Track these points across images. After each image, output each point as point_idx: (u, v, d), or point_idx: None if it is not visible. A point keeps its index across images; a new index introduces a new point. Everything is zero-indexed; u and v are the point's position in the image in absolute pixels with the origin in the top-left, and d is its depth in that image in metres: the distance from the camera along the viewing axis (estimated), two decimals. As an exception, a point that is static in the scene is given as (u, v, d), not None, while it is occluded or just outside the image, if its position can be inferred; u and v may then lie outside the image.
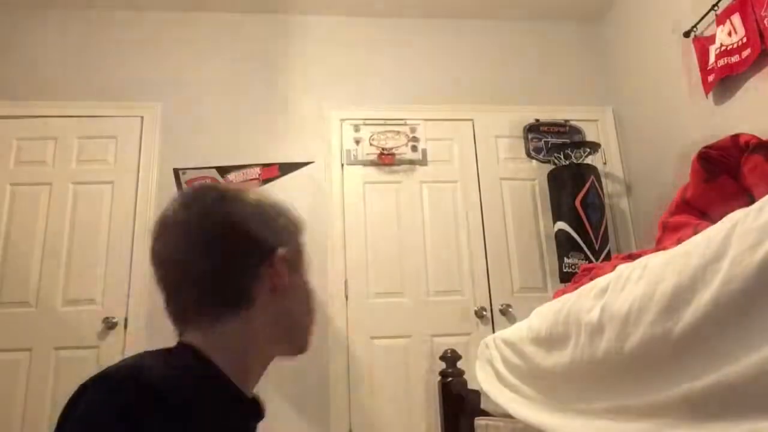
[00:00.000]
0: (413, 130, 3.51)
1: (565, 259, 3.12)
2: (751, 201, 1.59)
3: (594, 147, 3.43)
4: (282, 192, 3.31)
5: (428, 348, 3.14)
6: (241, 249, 0.77)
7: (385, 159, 3.43)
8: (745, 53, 2.52)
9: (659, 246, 1.72)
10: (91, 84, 3.41)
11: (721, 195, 1.72)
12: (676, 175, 2.90)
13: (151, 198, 3.20)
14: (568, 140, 3.54)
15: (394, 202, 3.38)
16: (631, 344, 0.98)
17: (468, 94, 3.65)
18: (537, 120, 3.63)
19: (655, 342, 0.92)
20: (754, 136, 1.81)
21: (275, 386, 3.00)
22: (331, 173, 3.39)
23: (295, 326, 0.83)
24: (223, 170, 3.32)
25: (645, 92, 3.40)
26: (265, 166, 3.37)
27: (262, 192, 0.85)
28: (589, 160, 3.38)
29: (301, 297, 0.85)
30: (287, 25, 3.67)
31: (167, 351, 0.74)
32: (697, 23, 2.85)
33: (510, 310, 3.23)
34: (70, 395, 0.64)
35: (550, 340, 1.36)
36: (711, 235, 0.86)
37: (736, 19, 2.57)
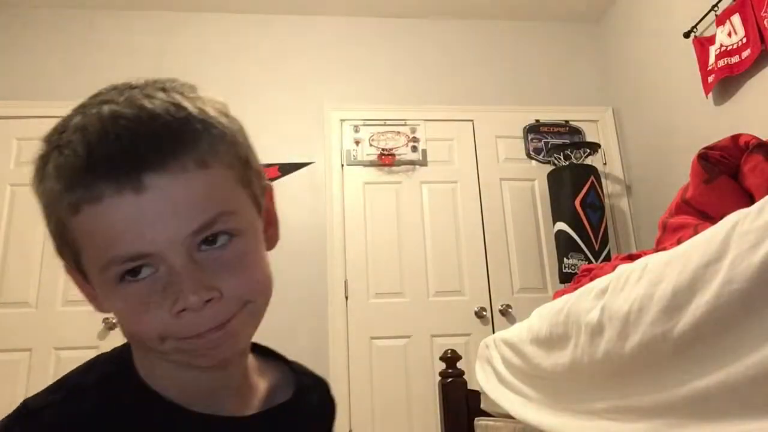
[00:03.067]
0: (413, 130, 3.51)
1: (565, 260, 3.12)
2: (751, 201, 1.59)
3: (594, 147, 3.43)
4: (282, 192, 3.31)
5: (428, 348, 3.14)
6: None
7: (385, 159, 3.43)
8: (745, 54, 2.52)
9: (659, 246, 1.72)
10: (91, 84, 3.35)
11: (721, 195, 1.72)
12: (676, 175, 2.90)
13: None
14: (568, 141, 3.54)
15: (394, 203, 3.38)
16: (631, 344, 0.98)
17: (468, 95, 3.66)
18: (537, 120, 3.63)
19: (655, 342, 0.92)
20: (754, 137, 1.81)
21: (275, 386, 3.00)
22: (331, 174, 3.39)
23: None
24: (223, 170, 3.32)
25: (645, 93, 3.40)
26: (266, 166, 3.35)
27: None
28: (588, 161, 3.38)
29: (116, 314, 0.53)
30: (287, 25, 3.67)
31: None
32: (697, 24, 2.85)
33: (510, 310, 3.24)
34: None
35: (550, 341, 1.36)
36: (711, 235, 0.86)
37: (736, 19, 2.57)
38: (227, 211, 0.51)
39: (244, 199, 0.54)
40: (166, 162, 0.47)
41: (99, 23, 3.54)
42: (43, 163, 0.51)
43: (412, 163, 3.46)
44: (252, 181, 0.55)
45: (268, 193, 0.59)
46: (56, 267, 3.12)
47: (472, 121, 3.60)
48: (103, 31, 3.53)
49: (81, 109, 0.51)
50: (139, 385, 0.55)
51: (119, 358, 0.57)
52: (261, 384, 0.64)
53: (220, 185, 0.51)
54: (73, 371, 0.57)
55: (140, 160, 0.47)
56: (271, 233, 0.59)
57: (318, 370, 0.75)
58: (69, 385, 0.55)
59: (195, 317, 0.49)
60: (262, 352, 0.68)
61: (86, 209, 0.48)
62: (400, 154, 3.45)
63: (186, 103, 0.50)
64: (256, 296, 0.53)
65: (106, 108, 0.49)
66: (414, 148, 3.48)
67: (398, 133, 3.49)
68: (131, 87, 0.51)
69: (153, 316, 0.49)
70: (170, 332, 0.50)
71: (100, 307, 0.56)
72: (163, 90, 0.51)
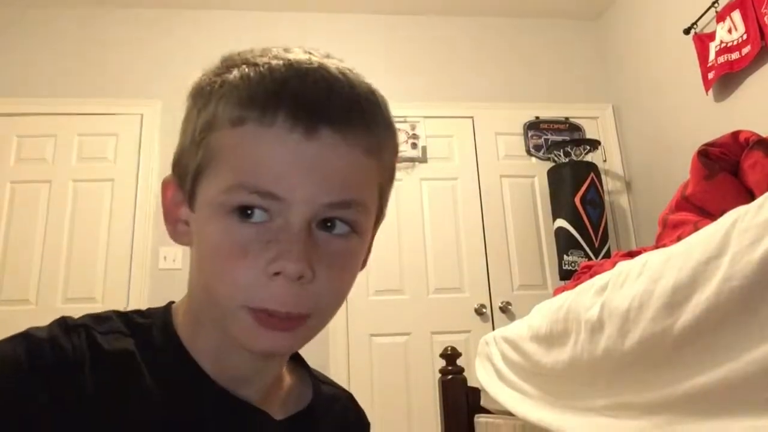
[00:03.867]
0: (413, 127, 3.51)
1: (565, 257, 3.12)
2: (751, 198, 1.59)
3: (594, 144, 3.43)
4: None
5: (428, 345, 3.14)
6: None
7: (385, 156, 3.42)
8: (746, 50, 2.52)
9: (659, 243, 1.72)
10: (91, 81, 3.40)
11: (721, 192, 1.72)
12: (676, 172, 2.90)
13: (152, 196, 3.20)
14: (568, 137, 3.54)
15: (394, 200, 3.35)
16: (631, 341, 0.98)
17: (468, 92, 3.65)
18: (537, 117, 3.63)
19: (655, 339, 0.92)
20: (754, 133, 1.81)
21: (275, 384, 3.01)
22: (331, 171, 3.38)
23: (206, 288, 0.50)
24: (223, 168, 3.32)
25: (645, 89, 3.40)
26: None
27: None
28: (589, 158, 3.38)
29: (204, 249, 0.50)
30: (286, 23, 3.66)
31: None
32: (697, 20, 2.85)
33: (510, 307, 3.24)
34: None
35: (550, 338, 1.36)
36: (711, 232, 0.86)
37: (737, 15, 2.57)
38: (363, 203, 0.50)
39: (373, 206, 0.53)
40: (344, 127, 0.48)
41: (98, 21, 3.53)
42: (225, 67, 0.52)
43: (411, 160, 3.46)
44: (384, 195, 0.55)
45: (382, 220, 0.57)
46: (56, 265, 3.09)
47: (472, 117, 3.60)
48: (102, 28, 3.52)
49: (283, 50, 0.51)
50: (178, 346, 0.53)
51: (163, 321, 0.55)
52: (285, 386, 0.63)
53: (368, 178, 0.51)
54: (110, 313, 0.55)
55: (326, 112, 0.47)
56: (365, 258, 0.56)
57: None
58: (109, 324, 0.53)
59: (284, 289, 0.46)
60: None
61: (250, 127, 0.47)
62: (399, 151, 3.44)
63: (379, 95, 0.53)
64: (326, 306, 0.50)
65: (313, 58, 0.50)
66: (414, 145, 3.48)
67: (398, 130, 3.49)
68: (334, 58, 0.53)
69: (246, 266, 0.47)
70: (251, 292, 0.47)
71: (182, 235, 0.53)
72: (365, 80, 0.53)
